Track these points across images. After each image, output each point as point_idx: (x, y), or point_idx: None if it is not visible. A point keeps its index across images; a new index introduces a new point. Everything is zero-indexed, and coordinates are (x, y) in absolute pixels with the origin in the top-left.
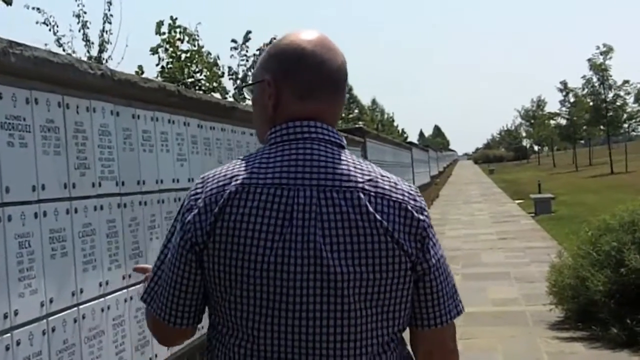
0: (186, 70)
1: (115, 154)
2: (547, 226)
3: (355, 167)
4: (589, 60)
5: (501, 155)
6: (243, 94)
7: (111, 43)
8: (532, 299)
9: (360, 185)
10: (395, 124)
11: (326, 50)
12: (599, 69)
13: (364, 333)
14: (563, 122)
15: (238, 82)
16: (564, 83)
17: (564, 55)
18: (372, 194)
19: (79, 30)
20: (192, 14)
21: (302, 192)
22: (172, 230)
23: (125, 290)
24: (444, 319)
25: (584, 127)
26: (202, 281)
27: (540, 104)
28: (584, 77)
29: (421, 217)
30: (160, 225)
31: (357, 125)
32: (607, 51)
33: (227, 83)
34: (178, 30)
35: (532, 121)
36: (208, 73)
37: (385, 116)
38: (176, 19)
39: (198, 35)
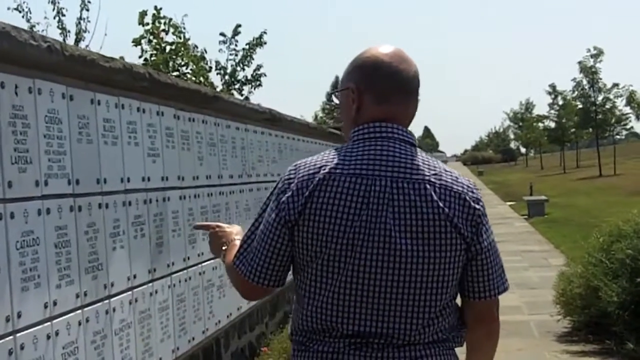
0: (171, 63)
1: (67, 146)
2: (542, 229)
3: (423, 163)
4: (579, 62)
5: (489, 157)
6: (231, 89)
7: (89, 32)
8: (535, 307)
9: (427, 177)
10: None
11: (401, 61)
12: (589, 72)
13: (424, 300)
14: (552, 124)
15: (226, 77)
16: (553, 86)
17: (553, 59)
18: (437, 185)
19: (54, 18)
20: (178, 5)
21: (378, 181)
22: (264, 207)
23: (79, 312)
24: (492, 292)
25: (572, 130)
26: (290, 252)
27: (528, 106)
28: (574, 79)
29: (477, 206)
30: (126, 232)
31: None
32: (598, 54)
33: (215, 78)
34: (162, 21)
35: (521, 124)
36: (194, 67)
37: None
38: (160, 9)
39: (184, 28)
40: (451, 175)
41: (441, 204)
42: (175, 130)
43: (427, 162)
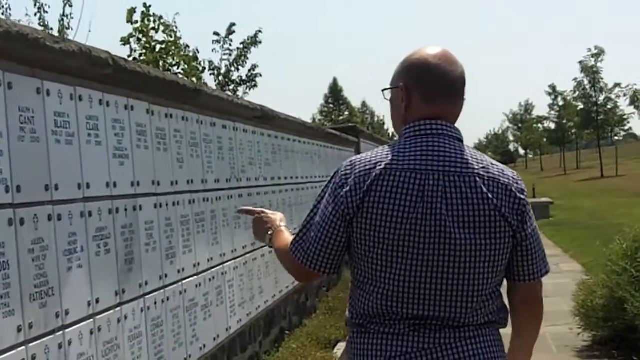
0: (161, 62)
1: (3, 145)
2: (549, 232)
3: (472, 157)
4: (580, 62)
5: None
6: (225, 90)
7: (72, 29)
8: (550, 317)
9: (476, 171)
10: (385, 127)
11: (448, 63)
12: (590, 72)
13: (476, 285)
14: (552, 125)
15: (220, 78)
16: (553, 87)
17: (553, 59)
18: (486, 178)
19: (36, 14)
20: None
21: (432, 176)
22: (319, 199)
23: (22, 348)
24: (536, 275)
25: (573, 131)
26: (345, 242)
27: (528, 107)
28: (575, 79)
29: (522, 196)
30: (85, 248)
31: (350, 124)
32: (599, 53)
33: (209, 79)
34: (152, 19)
35: (520, 125)
36: (186, 67)
37: (376, 119)
38: (150, 6)
39: (176, 27)
40: (497, 168)
41: (490, 195)
42: (148, 127)
43: (475, 157)
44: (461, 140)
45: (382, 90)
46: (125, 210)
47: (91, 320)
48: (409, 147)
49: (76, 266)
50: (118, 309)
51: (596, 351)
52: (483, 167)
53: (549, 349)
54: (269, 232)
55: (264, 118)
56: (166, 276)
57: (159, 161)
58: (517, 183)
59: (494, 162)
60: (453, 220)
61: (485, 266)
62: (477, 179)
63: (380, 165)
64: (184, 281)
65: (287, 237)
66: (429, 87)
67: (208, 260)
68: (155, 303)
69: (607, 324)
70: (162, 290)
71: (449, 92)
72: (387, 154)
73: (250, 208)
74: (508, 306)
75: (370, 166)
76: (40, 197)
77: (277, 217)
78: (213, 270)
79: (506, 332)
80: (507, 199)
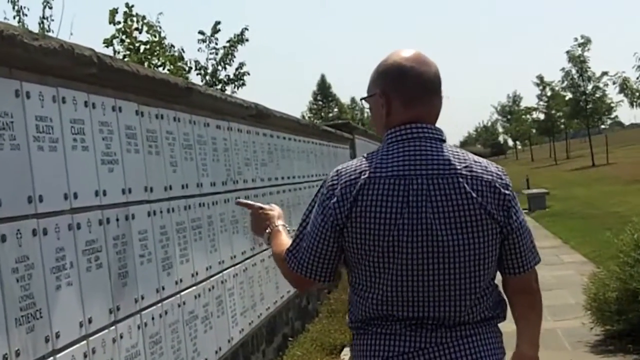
0: (146, 63)
1: None
2: (546, 223)
3: (454, 157)
4: (568, 52)
5: (479, 151)
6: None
7: (53, 32)
8: (558, 312)
9: (459, 171)
10: None
11: (422, 64)
12: (578, 61)
13: (468, 283)
14: (541, 116)
15: (207, 78)
16: (541, 77)
17: (539, 50)
18: (468, 177)
19: (14, 17)
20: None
21: (415, 180)
22: (310, 209)
23: None
24: (527, 267)
25: (562, 121)
26: (337, 251)
27: (516, 99)
28: (562, 69)
29: (506, 191)
30: (75, 264)
31: (343, 121)
32: (585, 43)
33: (195, 79)
34: (135, 19)
35: (509, 117)
36: (172, 67)
37: (366, 115)
38: (132, 6)
39: (160, 27)
40: (480, 165)
41: (474, 194)
42: (138, 129)
43: (457, 156)
44: (443, 141)
45: (361, 99)
46: (117, 220)
47: (84, 342)
48: (391, 153)
49: (65, 284)
50: (113, 327)
51: (610, 345)
52: (466, 167)
53: (563, 345)
54: (267, 230)
55: (259, 116)
56: (163, 289)
57: (151, 165)
58: (500, 178)
59: (478, 159)
60: (439, 221)
61: (475, 264)
62: (460, 179)
63: (364, 174)
64: (182, 293)
65: (284, 240)
66: (407, 91)
67: (207, 269)
68: (153, 318)
69: (622, 317)
70: (159, 304)
71: (426, 93)
72: (371, 162)
73: (249, 202)
74: (506, 299)
75: (355, 175)
76: (23, 210)
77: (275, 213)
78: (212, 279)
79: (508, 328)
80: (492, 196)
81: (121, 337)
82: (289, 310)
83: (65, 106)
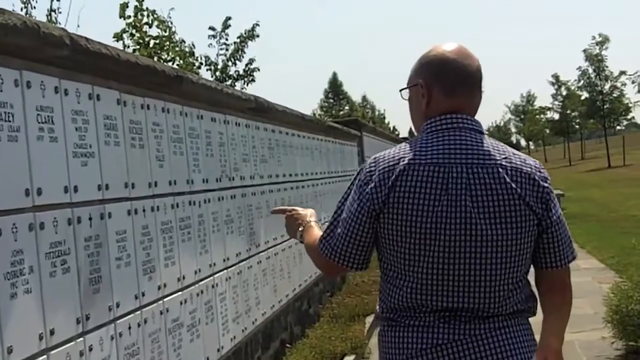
0: (155, 58)
1: None
2: None
3: (493, 148)
4: (585, 50)
5: None
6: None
7: (60, 24)
8: (575, 323)
9: (498, 162)
10: (386, 120)
11: (464, 57)
12: (595, 60)
13: (503, 274)
14: (555, 116)
15: (217, 73)
16: (556, 76)
17: (554, 49)
18: (508, 168)
19: (21, 10)
20: None
21: (455, 168)
22: (345, 196)
23: None
24: (563, 262)
25: (577, 121)
26: (372, 238)
27: (530, 98)
28: (579, 68)
29: (545, 184)
30: (35, 269)
31: (352, 117)
32: (603, 41)
33: (205, 74)
34: (145, 13)
35: (522, 116)
36: (181, 62)
37: (377, 113)
38: (143, 0)
39: (171, 22)
40: (519, 158)
41: (514, 185)
42: (119, 120)
43: (496, 148)
44: (482, 132)
45: (400, 90)
46: (90, 219)
47: (44, 356)
48: (431, 141)
49: (22, 292)
50: (80, 339)
51: None
52: (505, 158)
53: (579, 359)
54: (300, 229)
55: (259, 110)
56: (143, 295)
57: (133, 160)
58: (539, 171)
59: (516, 152)
60: (478, 211)
61: (511, 255)
62: (500, 169)
63: (403, 160)
64: (165, 299)
65: (317, 232)
66: (448, 81)
67: (195, 273)
68: (130, 328)
69: None
70: (138, 312)
71: (467, 85)
72: (410, 150)
73: (283, 207)
74: (536, 293)
75: (393, 162)
76: None
77: (308, 212)
78: (201, 283)
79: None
80: (531, 188)
81: (90, 349)
82: (287, 314)
83: (30, 91)
